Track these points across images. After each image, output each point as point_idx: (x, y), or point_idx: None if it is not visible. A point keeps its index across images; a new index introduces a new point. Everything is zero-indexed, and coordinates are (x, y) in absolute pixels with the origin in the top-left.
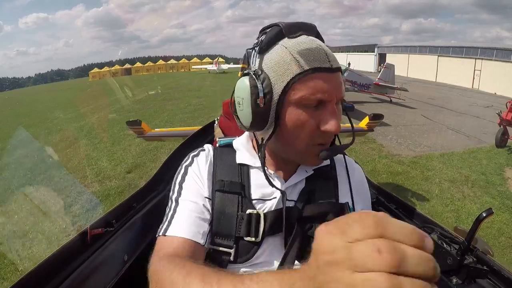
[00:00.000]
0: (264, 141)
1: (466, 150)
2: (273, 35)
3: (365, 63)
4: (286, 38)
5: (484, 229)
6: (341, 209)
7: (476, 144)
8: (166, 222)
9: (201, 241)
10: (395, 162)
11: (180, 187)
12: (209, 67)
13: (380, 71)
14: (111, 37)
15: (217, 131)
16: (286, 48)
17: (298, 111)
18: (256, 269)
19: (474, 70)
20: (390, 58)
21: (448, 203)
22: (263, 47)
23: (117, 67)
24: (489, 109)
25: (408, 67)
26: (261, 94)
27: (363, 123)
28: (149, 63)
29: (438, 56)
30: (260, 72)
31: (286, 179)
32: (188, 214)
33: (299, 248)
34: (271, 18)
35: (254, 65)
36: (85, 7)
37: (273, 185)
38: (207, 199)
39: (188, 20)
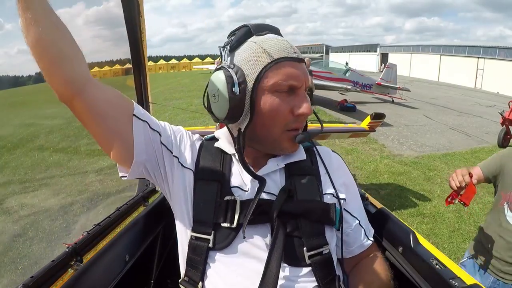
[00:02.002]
0: (242, 130)
1: (468, 150)
2: (242, 34)
3: (367, 63)
4: (254, 36)
5: None
6: (327, 209)
7: (478, 144)
8: None
9: (135, 107)
10: (396, 162)
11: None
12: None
13: (382, 71)
14: (112, 35)
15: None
16: (255, 43)
17: (272, 98)
18: (239, 260)
19: (477, 69)
20: (392, 58)
21: None
22: (233, 45)
23: (117, 66)
24: (492, 108)
25: (411, 66)
26: (236, 83)
27: (365, 123)
28: (150, 63)
29: (441, 55)
30: (232, 66)
31: (257, 170)
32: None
33: (284, 246)
34: (273, 18)
35: (226, 62)
36: (85, 6)
37: (251, 172)
38: (188, 170)
39: (189, 18)
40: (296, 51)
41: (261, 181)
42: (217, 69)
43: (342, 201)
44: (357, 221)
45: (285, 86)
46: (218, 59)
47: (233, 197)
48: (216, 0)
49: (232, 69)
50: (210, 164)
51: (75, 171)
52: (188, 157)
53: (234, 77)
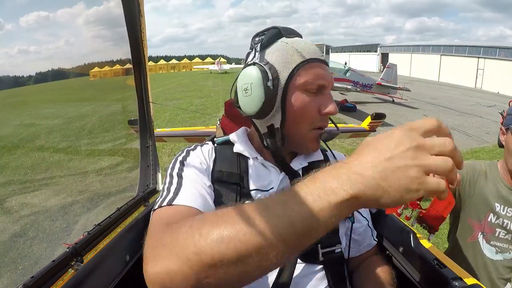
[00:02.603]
0: (276, 126)
1: (468, 150)
2: (273, 34)
3: (367, 63)
4: (284, 37)
5: None
6: None
7: (478, 144)
8: (171, 194)
9: None
10: None
11: (182, 164)
12: (211, 67)
13: (382, 71)
14: (112, 35)
15: (219, 132)
16: (287, 43)
17: (302, 95)
18: None
19: (477, 69)
20: (392, 58)
21: None
22: (265, 44)
23: (118, 66)
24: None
25: (411, 66)
26: (270, 79)
27: (365, 123)
28: (151, 63)
29: (441, 55)
30: (265, 63)
31: (281, 170)
32: (195, 186)
33: None
34: (273, 18)
35: (256, 59)
36: (85, 6)
37: (287, 166)
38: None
39: (190, 18)
40: (323, 54)
41: (294, 174)
42: (249, 65)
43: None
44: (367, 222)
45: (315, 85)
46: (218, 60)
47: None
48: (216, 0)
49: (265, 65)
50: (227, 169)
51: (75, 171)
52: (208, 176)
53: (269, 72)
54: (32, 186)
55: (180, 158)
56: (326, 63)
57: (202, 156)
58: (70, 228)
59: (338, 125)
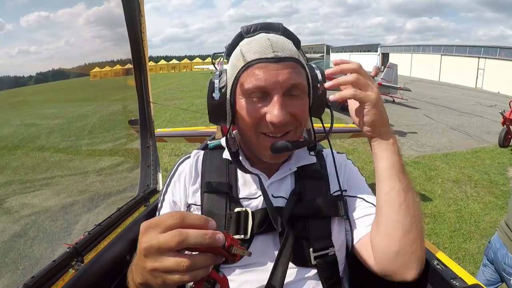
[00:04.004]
0: (231, 136)
1: (469, 150)
2: (235, 38)
3: (368, 63)
4: (245, 38)
5: (486, 229)
6: (334, 204)
7: (479, 144)
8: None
9: None
10: None
11: (163, 199)
12: (212, 67)
13: (383, 71)
14: (112, 36)
15: (218, 134)
16: (239, 46)
17: (245, 102)
18: (249, 269)
19: (478, 69)
20: (393, 58)
21: (450, 203)
22: (229, 51)
23: (118, 66)
24: (493, 108)
25: (411, 66)
26: (216, 88)
27: None
28: (151, 63)
29: (442, 55)
30: (221, 72)
31: (270, 176)
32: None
33: (292, 248)
34: (274, 18)
35: (222, 67)
36: (86, 6)
37: (247, 171)
38: (192, 206)
39: (190, 18)
40: (278, 49)
41: (264, 191)
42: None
43: (344, 192)
44: (363, 200)
45: (254, 90)
46: (218, 59)
47: (243, 208)
48: (217, 0)
49: (219, 74)
50: (216, 179)
51: (76, 171)
52: (193, 192)
53: (216, 83)
54: (32, 186)
55: (164, 189)
56: (281, 60)
57: (179, 181)
58: (70, 228)
59: (338, 125)
